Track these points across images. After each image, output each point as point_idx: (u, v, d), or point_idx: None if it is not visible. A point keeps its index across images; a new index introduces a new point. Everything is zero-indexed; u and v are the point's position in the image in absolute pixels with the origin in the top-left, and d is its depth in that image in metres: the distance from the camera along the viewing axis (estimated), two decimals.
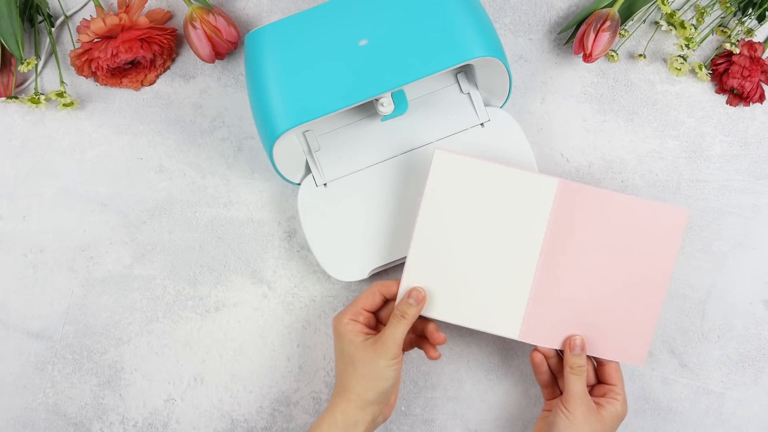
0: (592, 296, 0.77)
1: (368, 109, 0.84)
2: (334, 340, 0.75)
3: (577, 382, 0.74)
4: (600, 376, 0.77)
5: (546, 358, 0.77)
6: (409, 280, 0.76)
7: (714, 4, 0.87)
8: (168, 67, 0.89)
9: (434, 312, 0.76)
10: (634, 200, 0.77)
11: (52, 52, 0.89)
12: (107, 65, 0.83)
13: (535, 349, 0.77)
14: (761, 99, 0.87)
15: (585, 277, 0.77)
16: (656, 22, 0.88)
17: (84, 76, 0.86)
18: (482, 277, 0.76)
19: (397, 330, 0.73)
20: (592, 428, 0.73)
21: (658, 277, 0.77)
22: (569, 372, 0.74)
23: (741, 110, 0.88)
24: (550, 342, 0.77)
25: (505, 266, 0.76)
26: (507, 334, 0.76)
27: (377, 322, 0.78)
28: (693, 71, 0.88)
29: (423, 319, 0.77)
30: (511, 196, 0.77)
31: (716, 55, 0.88)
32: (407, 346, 0.79)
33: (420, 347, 0.79)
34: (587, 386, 0.76)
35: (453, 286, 0.76)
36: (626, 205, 0.77)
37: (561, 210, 0.77)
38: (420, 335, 0.78)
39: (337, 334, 0.75)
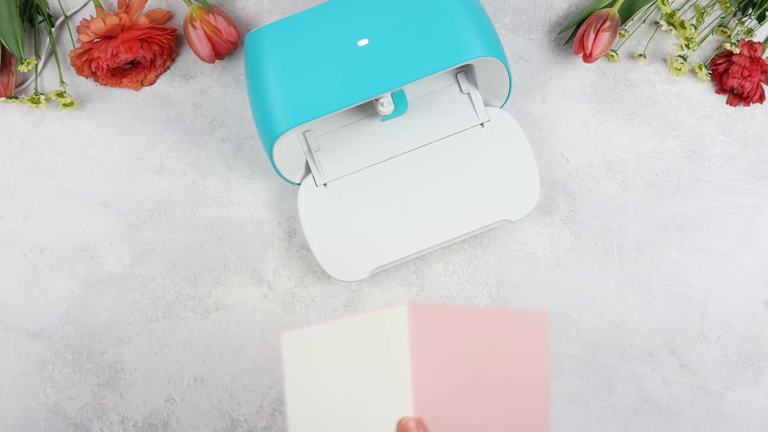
0: (478, 417, 0.71)
1: (368, 109, 0.84)
2: None
3: None
4: None
5: None
6: None
7: (714, 4, 0.87)
8: (168, 67, 0.89)
9: None
10: (489, 311, 0.72)
11: (52, 52, 0.89)
12: (107, 65, 0.83)
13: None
14: (761, 99, 0.87)
15: (466, 398, 0.71)
16: (656, 22, 0.88)
17: (84, 76, 0.86)
18: (366, 431, 0.70)
19: None
20: None
21: (538, 382, 0.71)
22: None
23: (741, 110, 0.88)
24: None
25: (385, 413, 0.70)
26: None
27: None
28: (693, 71, 0.88)
29: None
30: (367, 341, 0.70)
31: (716, 55, 0.88)
32: None
33: None
34: None
35: None
36: (483, 317, 0.71)
37: (419, 335, 0.69)
38: None
39: None
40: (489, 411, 0.72)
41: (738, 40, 0.86)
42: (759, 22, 0.88)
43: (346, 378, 0.71)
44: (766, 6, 0.86)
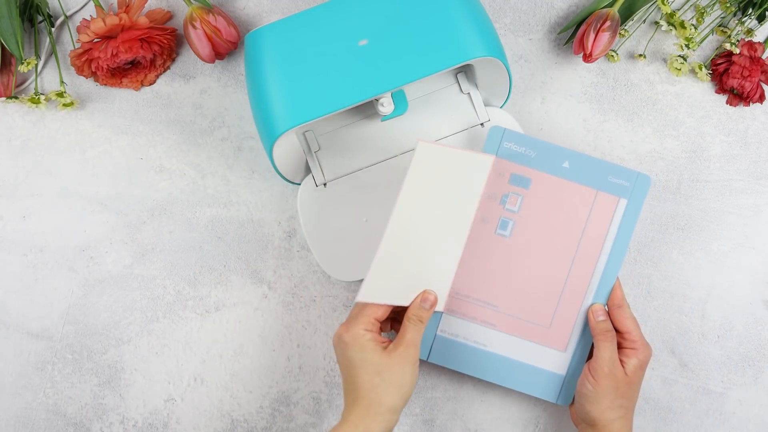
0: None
1: (368, 109, 0.84)
2: (345, 353, 0.72)
3: (607, 348, 0.75)
4: (613, 324, 0.77)
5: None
6: (378, 272, 0.74)
7: (714, 4, 0.87)
8: (168, 67, 0.89)
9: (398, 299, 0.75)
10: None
11: (52, 52, 0.89)
12: (107, 65, 0.83)
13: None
14: (761, 99, 0.87)
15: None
16: (656, 22, 0.88)
17: (84, 76, 0.86)
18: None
19: (418, 334, 0.73)
20: (619, 391, 0.74)
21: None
22: (600, 339, 0.75)
23: (741, 110, 0.88)
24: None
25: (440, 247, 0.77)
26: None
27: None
28: (693, 71, 0.88)
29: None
30: (456, 175, 0.76)
31: (716, 55, 0.88)
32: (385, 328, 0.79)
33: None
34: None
35: (410, 273, 0.76)
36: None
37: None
38: (392, 318, 0.78)
39: (354, 346, 0.71)
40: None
41: (738, 40, 0.86)
42: (759, 22, 0.88)
43: (429, 204, 0.76)
44: (766, 6, 0.86)
